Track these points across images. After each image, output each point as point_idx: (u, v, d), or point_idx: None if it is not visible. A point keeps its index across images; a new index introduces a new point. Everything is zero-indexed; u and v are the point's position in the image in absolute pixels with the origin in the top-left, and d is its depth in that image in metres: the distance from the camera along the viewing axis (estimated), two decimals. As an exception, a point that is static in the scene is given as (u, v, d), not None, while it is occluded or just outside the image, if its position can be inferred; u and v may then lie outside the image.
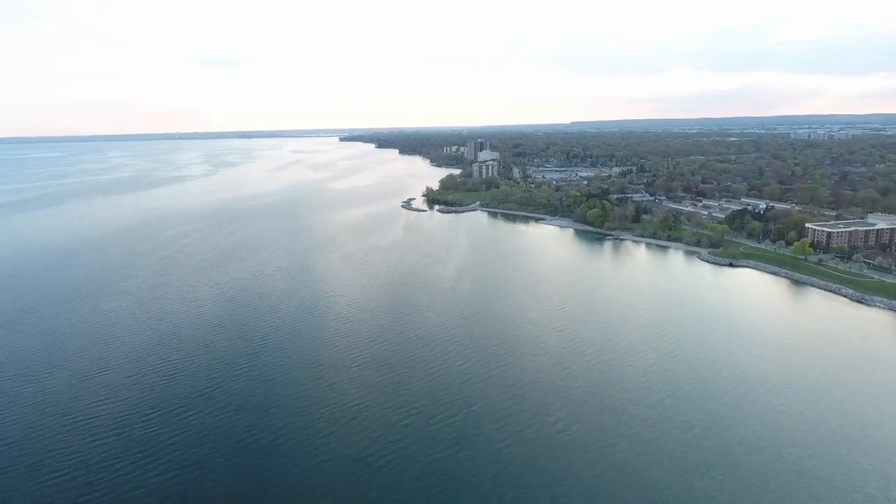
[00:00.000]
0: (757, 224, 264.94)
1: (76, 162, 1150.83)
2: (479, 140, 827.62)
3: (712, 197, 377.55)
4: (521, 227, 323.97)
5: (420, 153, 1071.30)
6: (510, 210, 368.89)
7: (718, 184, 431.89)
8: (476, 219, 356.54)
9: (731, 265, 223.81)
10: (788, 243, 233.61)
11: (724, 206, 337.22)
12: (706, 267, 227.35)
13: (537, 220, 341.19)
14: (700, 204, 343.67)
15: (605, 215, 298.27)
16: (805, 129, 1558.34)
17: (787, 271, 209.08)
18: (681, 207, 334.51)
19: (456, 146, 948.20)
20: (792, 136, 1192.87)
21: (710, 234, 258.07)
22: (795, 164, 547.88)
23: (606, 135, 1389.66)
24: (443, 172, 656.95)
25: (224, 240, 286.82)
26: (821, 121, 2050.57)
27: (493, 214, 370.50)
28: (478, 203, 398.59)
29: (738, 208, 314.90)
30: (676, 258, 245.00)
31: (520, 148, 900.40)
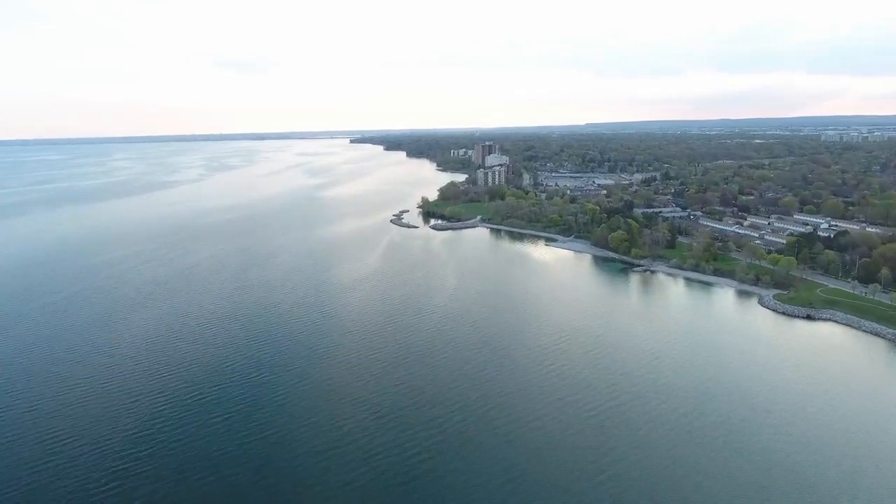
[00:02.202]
0: (831, 254, 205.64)
1: (74, 165, 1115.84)
2: (486, 143, 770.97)
3: (757, 212, 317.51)
4: (527, 251, 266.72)
5: (428, 156, 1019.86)
6: (516, 227, 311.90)
7: (761, 195, 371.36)
8: (474, 238, 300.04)
9: (808, 317, 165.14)
10: (883, 284, 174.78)
11: (777, 225, 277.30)
12: (771, 318, 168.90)
13: (548, 240, 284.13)
14: (746, 223, 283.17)
15: (631, 239, 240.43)
16: (832, 130, 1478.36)
17: (894, 332, 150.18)
18: (724, 227, 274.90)
19: (464, 149, 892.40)
20: (823, 138, 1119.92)
21: (772, 268, 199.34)
22: (844, 172, 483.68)
23: (623, 136, 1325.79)
24: (448, 178, 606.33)
25: (159, 270, 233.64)
26: (846, 122, 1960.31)
27: (497, 232, 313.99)
28: (479, 218, 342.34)
29: (799, 230, 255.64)
30: (727, 302, 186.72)
31: (532, 151, 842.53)
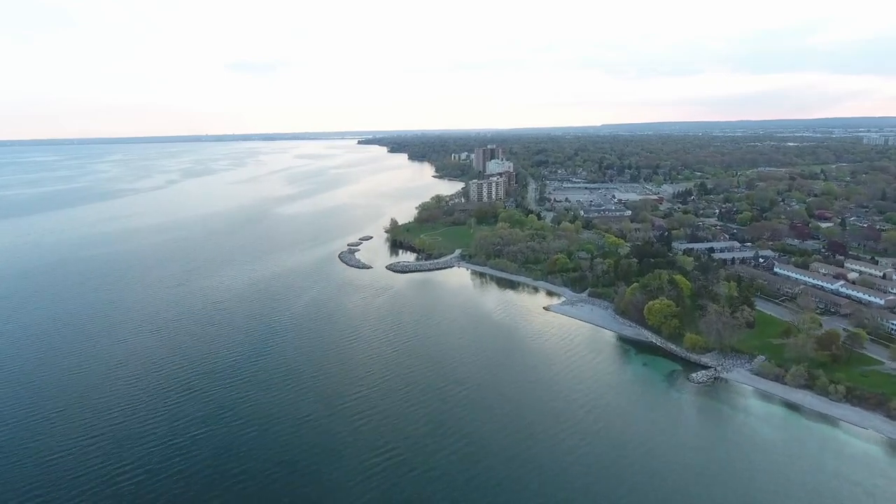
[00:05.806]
0: None
1: (52, 168, 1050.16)
2: (489, 146, 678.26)
3: (853, 253, 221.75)
4: (516, 323, 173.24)
5: (430, 159, 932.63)
6: (506, 272, 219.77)
7: (842, 222, 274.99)
8: (444, 290, 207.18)
9: None
10: None
11: (892, 274, 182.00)
12: None
13: (549, 294, 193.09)
14: (851, 275, 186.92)
15: (681, 315, 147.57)
16: (866, 131, 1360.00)
17: None
18: (818, 282, 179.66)
19: (466, 153, 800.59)
20: (865, 141, 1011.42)
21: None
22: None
23: (641, 138, 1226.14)
24: (444, 187, 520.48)
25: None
26: (875, 123, 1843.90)
27: (480, 276, 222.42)
28: (458, 253, 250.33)
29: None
30: (888, 475, 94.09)
31: (542, 155, 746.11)
